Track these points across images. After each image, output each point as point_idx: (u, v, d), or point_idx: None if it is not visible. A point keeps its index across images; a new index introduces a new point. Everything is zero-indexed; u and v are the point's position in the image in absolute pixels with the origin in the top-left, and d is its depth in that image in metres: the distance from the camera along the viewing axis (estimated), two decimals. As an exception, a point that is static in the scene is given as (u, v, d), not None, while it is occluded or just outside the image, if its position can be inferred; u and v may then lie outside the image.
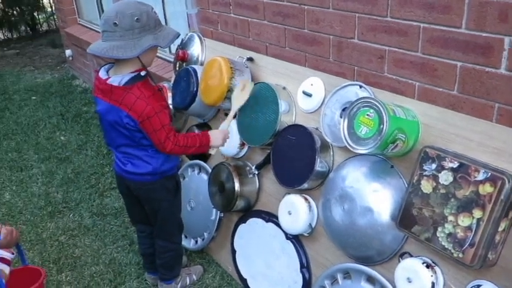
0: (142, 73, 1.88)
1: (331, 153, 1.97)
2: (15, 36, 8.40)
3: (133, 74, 1.86)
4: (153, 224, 2.24)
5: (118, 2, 1.84)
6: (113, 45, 1.77)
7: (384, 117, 1.56)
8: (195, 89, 2.44)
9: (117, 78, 1.85)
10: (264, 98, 2.18)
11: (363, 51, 1.90)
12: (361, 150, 1.60)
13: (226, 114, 2.47)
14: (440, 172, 1.50)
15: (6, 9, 8.21)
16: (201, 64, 2.74)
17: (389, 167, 1.75)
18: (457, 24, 1.54)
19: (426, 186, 1.54)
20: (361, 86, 1.88)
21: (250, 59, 2.41)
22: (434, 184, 1.52)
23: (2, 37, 8.37)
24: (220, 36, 2.73)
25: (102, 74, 1.91)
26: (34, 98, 5.16)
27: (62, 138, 4.11)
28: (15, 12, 8.29)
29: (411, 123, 1.66)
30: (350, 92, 1.92)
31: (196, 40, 2.79)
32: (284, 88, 2.21)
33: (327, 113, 1.98)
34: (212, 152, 2.13)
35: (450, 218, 1.47)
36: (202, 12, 2.82)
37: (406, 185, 1.68)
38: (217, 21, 2.71)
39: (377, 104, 1.58)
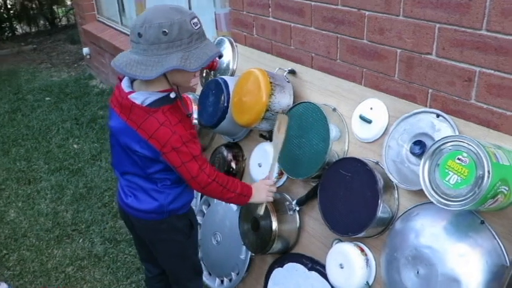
0: (172, 95, 1.52)
1: (396, 195, 1.59)
2: (33, 30, 8.16)
3: (161, 95, 1.51)
4: (164, 268, 1.89)
5: (153, 7, 1.47)
6: (134, 59, 1.43)
7: (486, 166, 1.17)
8: (225, 104, 2.08)
9: (141, 95, 1.50)
10: (310, 121, 1.80)
11: (442, 70, 1.51)
12: (453, 207, 1.22)
13: (262, 136, 2.12)
14: None
15: (25, 3, 7.97)
16: (232, 74, 2.38)
17: (479, 222, 1.36)
18: None
19: (542, 261, 1.15)
20: (438, 115, 1.50)
21: (291, 72, 2.03)
22: (556, 260, 1.13)
23: (21, 31, 8.13)
24: (255, 42, 2.35)
25: (125, 85, 1.56)
26: (48, 98, 4.87)
27: (75, 146, 3.79)
28: (33, 5, 8.04)
29: (514, 171, 1.27)
30: (423, 121, 1.53)
31: (227, 45, 2.43)
32: (334, 110, 1.83)
33: (392, 145, 1.60)
34: (261, 211, 1.77)
35: None
36: (235, 14, 2.45)
37: (504, 250, 1.30)
38: (253, 24, 2.34)
39: (474, 146, 1.20)
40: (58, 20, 8.44)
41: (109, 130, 1.66)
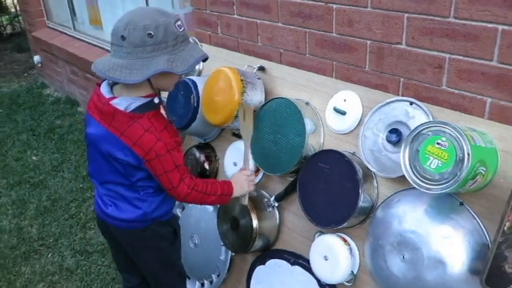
0: (156, 100, 1.49)
1: (375, 184, 1.62)
2: (-24, 41, 7.77)
3: (145, 100, 1.47)
4: (146, 277, 1.84)
5: (134, 9, 1.43)
6: (118, 63, 1.37)
7: (465, 148, 1.21)
8: (195, 105, 2.05)
9: (124, 101, 1.45)
10: (284, 116, 1.80)
11: (413, 59, 1.54)
12: (436, 190, 1.25)
13: (234, 134, 2.11)
14: (544, 218, 1.16)
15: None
16: (199, 74, 2.35)
17: (458, 204, 1.40)
18: (554, 25, 1.20)
19: (524, 236, 1.20)
20: (412, 103, 1.53)
21: (261, 68, 2.03)
22: (537, 234, 1.17)
23: (-38, 42, 7.73)
24: (220, 40, 2.33)
25: (104, 90, 1.50)
26: (0, 111, 4.65)
27: (34, 158, 3.63)
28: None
29: (490, 152, 1.31)
30: (397, 109, 1.56)
31: (192, 46, 2.39)
32: (307, 103, 1.84)
33: (368, 135, 1.62)
34: (245, 202, 1.76)
35: None
36: (198, 13, 2.42)
37: (484, 229, 1.34)
38: (217, 23, 2.32)
39: (453, 130, 1.23)
40: (2, 28, 8.08)
41: (86, 138, 1.59)
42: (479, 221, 1.36)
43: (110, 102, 1.45)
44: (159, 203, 1.63)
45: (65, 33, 4.69)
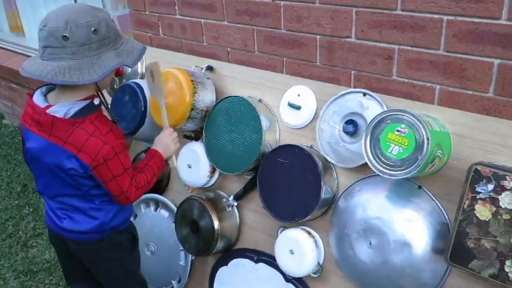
0: (96, 101, 1.42)
1: (335, 175, 1.66)
2: None
3: (84, 103, 1.39)
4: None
5: (64, 7, 1.35)
6: (63, 65, 1.29)
7: (424, 133, 1.27)
8: (143, 109, 1.99)
9: (63, 107, 1.37)
10: (238, 115, 1.80)
11: (363, 51, 1.59)
12: (399, 176, 1.30)
13: (186, 136, 2.07)
14: (500, 194, 1.24)
15: None
16: (142, 77, 2.27)
17: (417, 188, 1.47)
18: (495, 14, 1.29)
19: (483, 212, 1.27)
20: (365, 94, 1.58)
21: (209, 68, 2.00)
22: (494, 209, 1.25)
23: None
24: (162, 42, 2.28)
25: (38, 99, 1.41)
26: None
27: (-42, 177, 3.35)
28: None
29: (444, 135, 1.39)
30: (351, 101, 1.60)
31: (132, 48, 2.31)
32: (260, 100, 1.84)
33: (324, 127, 1.65)
34: (173, 164, 1.79)
35: (521, 248, 1.22)
36: (136, 14, 2.34)
37: (442, 209, 1.42)
38: (158, 24, 2.26)
39: (412, 117, 1.29)
40: None
41: (26, 153, 1.49)
42: (437, 202, 1.43)
43: (47, 111, 1.37)
44: (117, 211, 1.56)
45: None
